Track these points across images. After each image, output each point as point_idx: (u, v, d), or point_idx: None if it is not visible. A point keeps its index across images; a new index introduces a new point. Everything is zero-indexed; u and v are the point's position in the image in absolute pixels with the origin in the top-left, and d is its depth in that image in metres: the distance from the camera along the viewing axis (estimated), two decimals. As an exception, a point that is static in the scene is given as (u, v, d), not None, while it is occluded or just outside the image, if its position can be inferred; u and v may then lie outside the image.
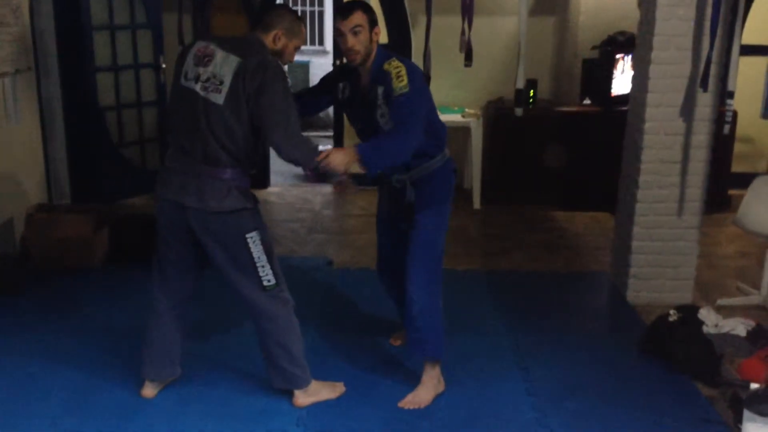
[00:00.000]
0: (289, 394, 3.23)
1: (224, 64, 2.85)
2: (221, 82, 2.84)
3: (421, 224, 3.23)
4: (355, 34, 3.02)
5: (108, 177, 5.89)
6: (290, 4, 12.15)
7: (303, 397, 3.21)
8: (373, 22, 3.08)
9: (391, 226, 3.44)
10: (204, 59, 2.90)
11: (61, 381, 3.40)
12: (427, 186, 3.25)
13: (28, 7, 5.08)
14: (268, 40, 2.97)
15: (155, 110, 6.27)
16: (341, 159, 2.90)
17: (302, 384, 3.20)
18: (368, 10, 3.09)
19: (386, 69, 3.03)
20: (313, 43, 12.94)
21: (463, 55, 4.70)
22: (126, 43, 5.96)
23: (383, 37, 6.60)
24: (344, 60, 3.17)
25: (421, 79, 3.09)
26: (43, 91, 5.39)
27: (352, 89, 3.22)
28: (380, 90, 3.05)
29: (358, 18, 3.02)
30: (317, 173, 2.97)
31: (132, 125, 6.13)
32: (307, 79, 11.06)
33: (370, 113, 3.12)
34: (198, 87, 2.87)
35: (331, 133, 8.04)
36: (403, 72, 3.00)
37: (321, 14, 12.87)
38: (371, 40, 3.07)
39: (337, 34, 3.07)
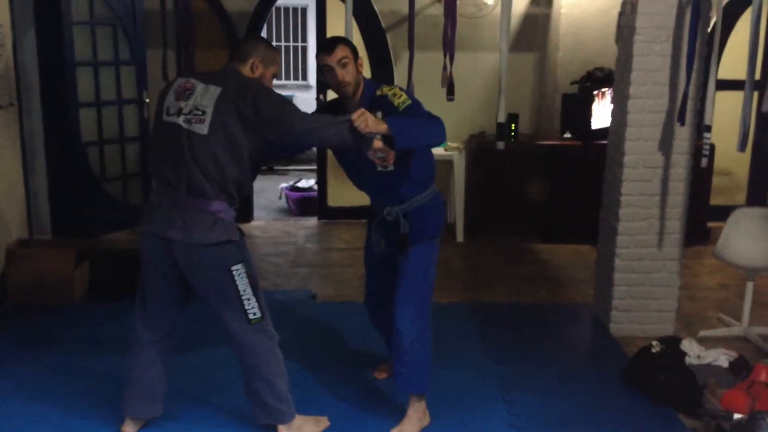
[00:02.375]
0: (273, 430, 3.20)
1: (205, 95, 2.88)
2: (203, 113, 2.85)
3: (411, 258, 3.23)
4: (343, 66, 3.09)
5: (89, 212, 5.84)
6: (273, 41, 12.25)
7: (287, 433, 3.18)
8: (356, 55, 3.17)
9: (380, 259, 3.43)
10: (185, 93, 2.92)
11: (40, 418, 3.35)
12: (418, 219, 3.26)
13: (11, 43, 5.09)
14: (245, 69, 3.00)
15: (138, 146, 6.26)
16: (373, 119, 2.84)
17: (286, 419, 3.17)
18: (349, 44, 3.18)
19: (381, 94, 3.11)
20: (296, 77, 13.02)
21: (445, 90, 4.75)
22: (109, 78, 5.97)
23: (366, 74, 6.70)
24: (327, 94, 3.20)
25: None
26: (25, 126, 5.37)
27: None
28: (379, 115, 3.05)
29: (342, 51, 3.10)
30: (355, 137, 2.86)
31: (114, 160, 6.11)
32: (290, 114, 11.10)
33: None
34: (181, 120, 2.88)
35: (314, 167, 8.07)
36: (399, 91, 3.11)
37: (304, 49, 12.97)
38: (357, 71, 3.15)
39: (326, 69, 3.12)
